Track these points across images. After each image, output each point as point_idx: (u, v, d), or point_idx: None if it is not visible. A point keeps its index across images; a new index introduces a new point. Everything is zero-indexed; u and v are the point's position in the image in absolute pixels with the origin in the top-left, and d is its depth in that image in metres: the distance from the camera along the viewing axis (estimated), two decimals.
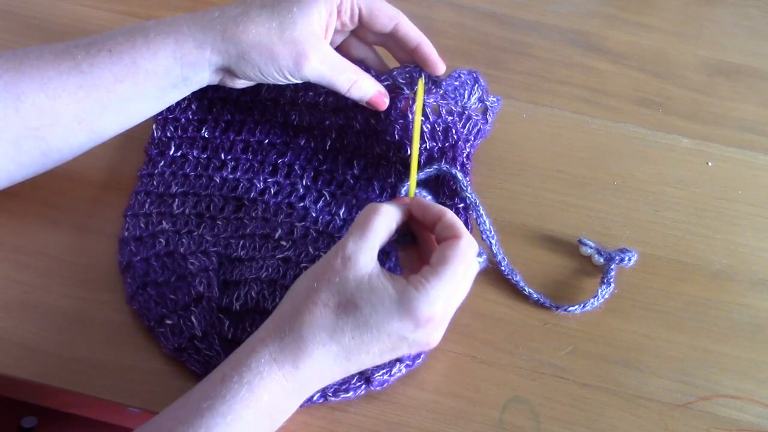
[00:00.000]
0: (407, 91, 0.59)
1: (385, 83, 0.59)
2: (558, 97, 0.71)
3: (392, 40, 0.61)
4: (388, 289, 0.47)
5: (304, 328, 0.47)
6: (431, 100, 0.59)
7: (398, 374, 0.53)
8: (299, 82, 0.57)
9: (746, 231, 0.63)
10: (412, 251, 0.53)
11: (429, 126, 0.60)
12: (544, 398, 0.54)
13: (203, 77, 0.57)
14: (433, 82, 0.60)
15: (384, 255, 0.57)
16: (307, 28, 0.55)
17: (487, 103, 0.64)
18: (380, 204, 0.50)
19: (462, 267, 0.48)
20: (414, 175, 0.54)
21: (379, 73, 0.61)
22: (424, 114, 0.59)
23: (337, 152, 0.64)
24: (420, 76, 0.59)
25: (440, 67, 0.60)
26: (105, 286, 0.57)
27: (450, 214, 0.50)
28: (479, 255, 0.54)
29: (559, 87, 0.72)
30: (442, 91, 0.60)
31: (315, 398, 0.52)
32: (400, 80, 0.60)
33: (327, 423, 0.52)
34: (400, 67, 0.61)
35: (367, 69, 0.60)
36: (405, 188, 0.58)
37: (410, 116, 0.59)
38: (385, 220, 0.49)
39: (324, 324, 0.47)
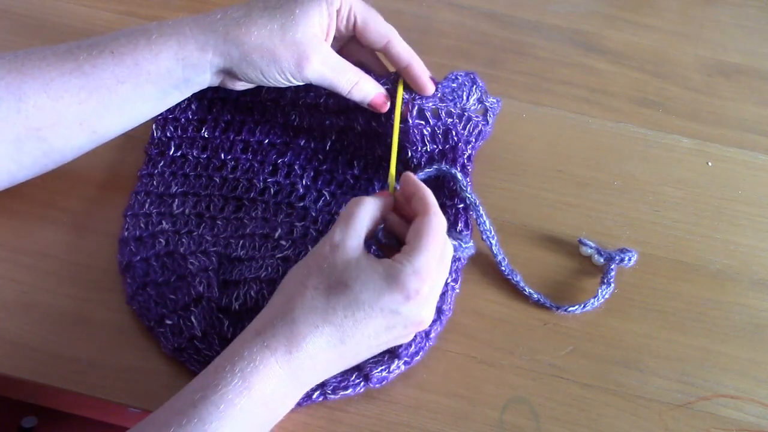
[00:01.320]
0: (405, 96, 0.59)
1: (386, 87, 0.59)
2: (558, 97, 0.71)
3: (385, 56, 0.61)
4: (376, 267, 0.48)
5: (296, 312, 0.47)
6: (430, 104, 0.59)
7: (397, 371, 0.53)
8: (301, 83, 0.57)
9: (746, 231, 0.63)
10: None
11: (429, 129, 0.60)
12: (544, 398, 0.54)
13: (205, 79, 0.57)
14: None
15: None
16: (309, 30, 0.55)
17: (487, 104, 0.64)
18: (363, 197, 0.52)
19: (436, 240, 0.49)
20: (393, 171, 0.56)
21: (380, 76, 0.61)
22: (424, 117, 0.59)
23: (337, 153, 0.64)
24: (400, 77, 0.59)
25: (429, 89, 0.59)
26: (105, 286, 0.57)
27: (423, 190, 0.52)
28: (466, 241, 0.57)
29: (559, 87, 0.72)
30: (439, 95, 0.60)
31: (314, 396, 0.52)
32: None
33: (327, 423, 0.52)
34: None
35: (368, 71, 0.60)
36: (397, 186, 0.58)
37: (410, 120, 0.59)
38: (368, 209, 0.51)
39: (315, 306, 0.47)
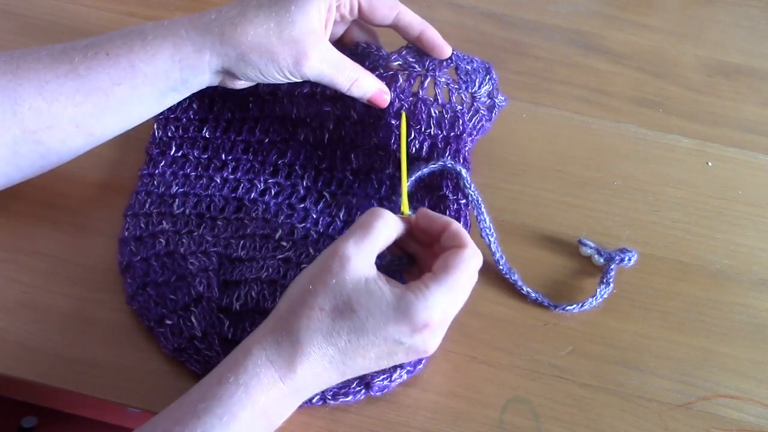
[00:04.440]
0: (418, 68, 0.59)
1: (396, 62, 0.60)
2: (558, 97, 0.71)
3: (395, 30, 0.61)
4: (386, 293, 0.47)
5: (301, 331, 0.47)
6: (443, 79, 0.59)
7: (399, 380, 0.53)
8: (300, 80, 0.57)
9: (746, 231, 0.63)
10: (415, 271, 0.54)
11: (437, 110, 0.59)
12: (544, 398, 0.54)
13: (203, 79, 0.56)
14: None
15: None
16: (307, 26, 0.55)
17: (496, 101, 0.64)
18: (383, 210, 0.50)
19: (464, 276, 0.48)
20: (405, 192, 0.55)
21: (389, 52, 0.61)
22: (434, 96, 0.60)
23: (335, 146, 0.64)
24: (402, 109, 0.59)
25: (446, 51, 0.60)
26: (105, 286, 0.57)
27: (455, 225, 0.50)
28: None
29: (559, 87, 0.72)
30: (453, 66, 0.60)
31: (314, 400, 0.52)
32: (410, 59, 0.60)
33: (327, 423, 0.52)
34: (408, 46, 0.61)
35: (377, 49, 0.60)
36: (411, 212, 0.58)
37: (421, 93, 0.59)
38: (387, 225, 0.50)
39: (320, 328, 0.47)
